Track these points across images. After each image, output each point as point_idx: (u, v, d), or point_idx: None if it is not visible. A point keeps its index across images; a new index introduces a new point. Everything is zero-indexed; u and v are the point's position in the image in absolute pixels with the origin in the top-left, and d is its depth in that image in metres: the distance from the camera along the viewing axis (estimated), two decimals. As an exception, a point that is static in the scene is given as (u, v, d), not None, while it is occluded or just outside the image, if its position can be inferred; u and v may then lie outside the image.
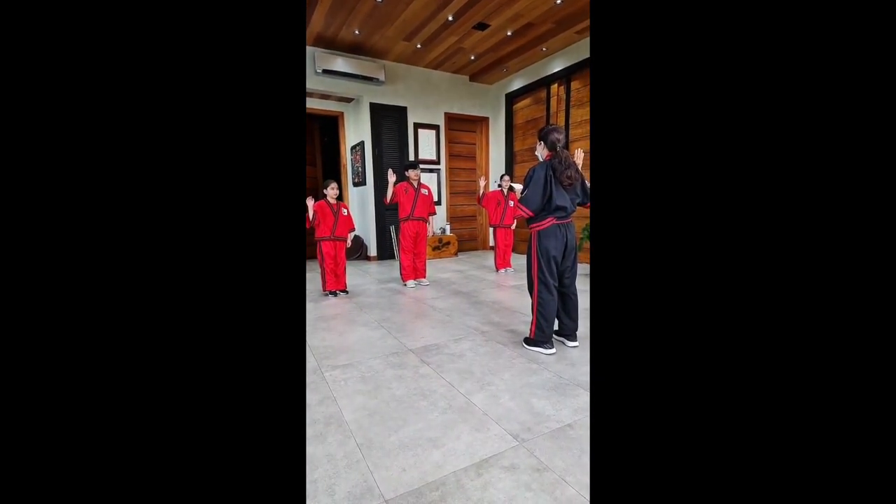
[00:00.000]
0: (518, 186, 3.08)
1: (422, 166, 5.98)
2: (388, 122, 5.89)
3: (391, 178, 4.00)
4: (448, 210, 6.70)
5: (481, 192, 4.77)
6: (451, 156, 6.77)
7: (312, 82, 5.27)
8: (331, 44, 5.14)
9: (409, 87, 6.01)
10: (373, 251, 6.11)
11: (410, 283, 4.16)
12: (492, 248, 6.32)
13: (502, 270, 4.81)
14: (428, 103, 6.19)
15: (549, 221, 2.18)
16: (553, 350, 2.21)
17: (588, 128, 4.95)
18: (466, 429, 1.50)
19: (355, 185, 6.35)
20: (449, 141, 6.63)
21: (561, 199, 2.14)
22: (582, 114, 5.09)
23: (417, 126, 6.15)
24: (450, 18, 4.41)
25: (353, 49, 5.31)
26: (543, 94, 5.71)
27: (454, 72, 6.27)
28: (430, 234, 4.24)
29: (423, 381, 1.91)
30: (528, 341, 2.31)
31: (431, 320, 2.91)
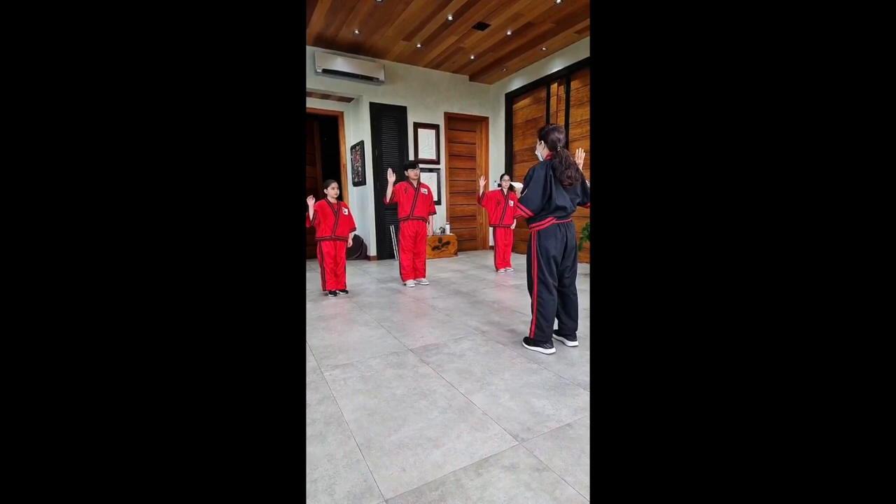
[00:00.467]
0: (518, 185, 3.08)
1: (422, 166, 5.99)
2: (388, 121, 5.88)
3: (390, 177, 4.00)
4: (448, 210, 6.70)
5: (481, 191, 4.77)
6: (451, 155, 6.77)
7: (312, 82, 5.27)
8: (331, 43, 5.14)
9: (409, 87, 6.01)
10: (372, 251, 6.11)
11: (410, 282, 4.16)
12: (491, 247, 6.33)
13: (502, 270, 4.81)
14: (428, 103, 6.19)
15: (549, 221, 2.18)
16: (553, 350, 2.22)
17: (588, 127, 4.95)
18: (466, 428, 1.50)
19: (355, 184, 6.34)
20: (449, 140, 6.63)
21: (561, 198, 2.14)
22: (582, 113, 5.09)
23: (417, 126, 6.15)
24: (449, 18, 4.40)
25: (353, 49, 5.31)
26: (543, 93, 5.71)
27: (454, 71, 6.27)
28: (429, 233, 4.24)
29: (422, 381, 1.91)
30: (528, 341, 2.31)
31: (431, 320, 2.92)
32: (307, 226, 3.51)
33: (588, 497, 1.13)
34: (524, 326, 2.67)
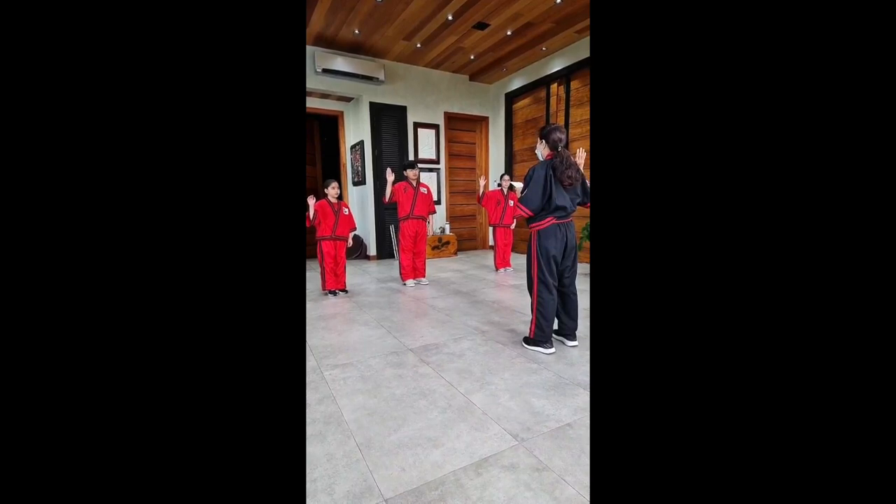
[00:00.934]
0: (518, 185, 3.08)
1: (421, 166, 5.99)
2: (388, 121, 5.88)
3: (389, 177, 4.00)
4: (448, 209, 6.70)
5: (481, 191, 4.77)
6: (451, 155, 6.77)
7: (312, 82, 5.26)
8: (331, 43, 5.14)
9: (409, 87, 6.01)
10: (372, 250, 6.11)
11: (410, 282, 4.16)
12: (491, 247, 6.32)
13: (502, 270, 4.81)
14: (428, 103, 6.19)
15: (548, 221, 2.18)
16: (552, 349, 2.22)
17: (588, 127, 4.95)
18: (466, 428, 1.50)
19: (355, 184, 6.34)
20: (448, 140, 6.63)
21: (561, 198, 2.13)
22: (581, 113, 5.09)
23: (417, 125, 6.15)
24: (449, 18, 4.40)
25: (353, 48, 5.31)
26: (543, 93, 5.71)
27: (454, 71, 6.27)
28: (429, 233, 4.24)
29: (422, 381, 1.91)
30: (528, 341, 2.31)
31: (431, 320, 2.92)
32: (307, 225, 3.52)
33: (588, 497, 1.13)
34: (524, 326, 2.67)
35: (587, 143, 4.86)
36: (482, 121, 6.85)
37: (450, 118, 6.53)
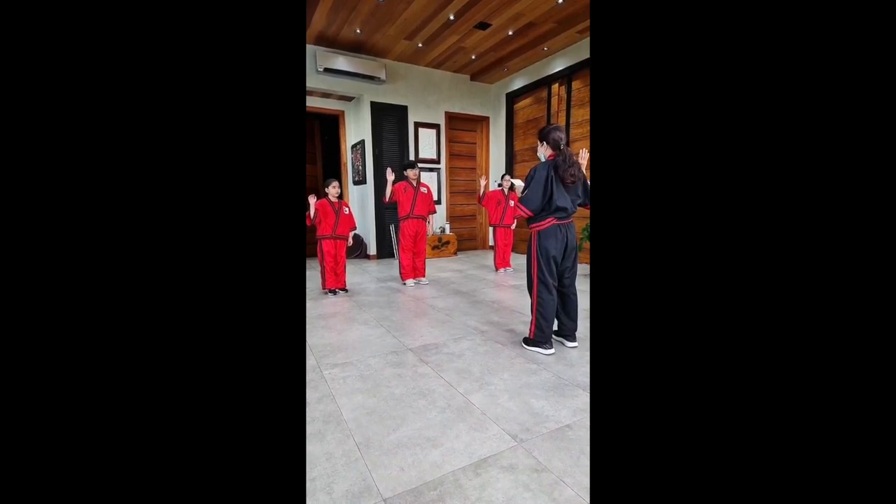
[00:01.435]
0: (518, 182, 3.07)
1: (422, 165, 5.99)
2: (389, 120, 5.88)
3: (389, 176, 4.00)
4: (448, 209, 6.70)
5: (481, 191, 4.77)
6: (452, 155, 6.76)
7: (313, 81, 5.26)
8: (332, 42, 5.14)
9: (410, 86, 6.00)
10: (372, 250, 6.11)
11: (410, 282, 4.16)
12: (491, 247, 6.32)
13: (502, 270, 4.81)
14: (429, 102, 6.19)
15: (549, 221, 2.17)
16: (552, 350, 2.21)
17: (589, 128, 4.94)
18: (465, 428, 1.50)
19: (355, 183, 6.34)
20: (449, 140, 6.63)
21: (562, 199, 2.13)
22: (583, 113, 5.09)
23: (418, 125, 6.15)
24: (451, 18, 4.40)
25: (355, 48, 5.30)
26: (544, 93, 5.71)
27: (455, 71, 6.27)
28: (429, 232, 4.24)
29: (421, 381, 1.91)
30: (528, 341, 2.31)
31: (430, 319, 2.91)
32: (308, 224, 3.51)
33: (587, 499, 1.13)
34: (523, 326, 2.67)
35: (588, 143, 4.86)
36: (483, 121, 6.85)
37: (451, 118, 6.52)
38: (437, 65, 5.99)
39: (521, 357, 2.18)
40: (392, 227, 6.08)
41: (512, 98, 6.34)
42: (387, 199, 4.06)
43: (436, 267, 5.26)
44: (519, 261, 5.38)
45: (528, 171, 2.21)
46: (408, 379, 1.93)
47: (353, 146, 6.27)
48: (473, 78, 6.47)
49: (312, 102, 6.04)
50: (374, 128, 5.76)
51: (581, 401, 1.70)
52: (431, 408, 1.65)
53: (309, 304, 3.42)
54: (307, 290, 3.90)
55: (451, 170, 6.78)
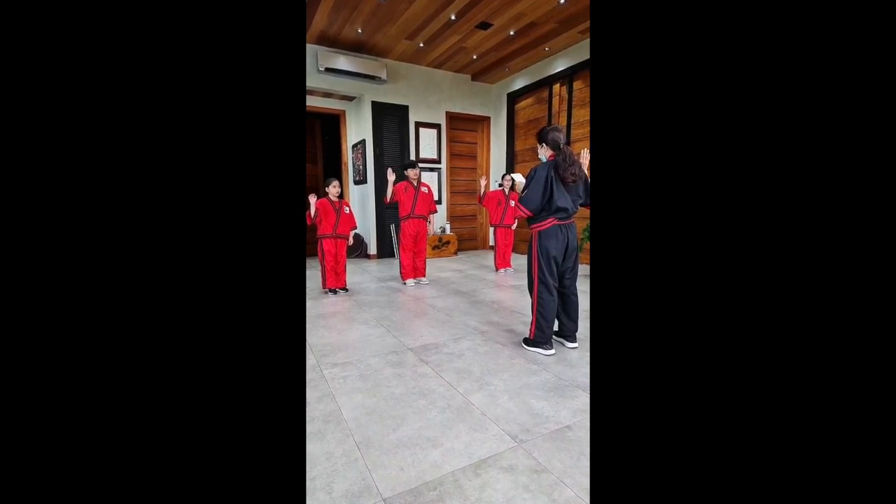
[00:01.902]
0: (519, 178, 3.06)
1: (422, 165, 5.99)
2: (390, 120, 5.88)
3: (390, 177, 4.00)
4: (448, 209, 6.70)
5: (482, 191, 4.77)
6: (452, 155, 6.76)
7: (315, 80, 5.26)
8: (333, 42, 5.14)
9: (411, 86, 6.00)
10: (373, 249, 6.11)
11: (410, 281, 4.16)
12: (491, 247, 6.32)
13: (502, 270, 4.81)
14: (429, 102, 6.19)
15: (550, 222, 2.17)
16: (552, 351, 2.21)
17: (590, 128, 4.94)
18: (465, 429, 1.50)
19: (356, 183, 6.34)
20: (450, 140, 6.63)
21: (562, 199, 2.13)
22: (584, 114, 5.09)
23: (419, 125, 6.15)
24: (452, 18, 4.40)
25: (356, 47, 5.30)
26: (545, 93, 5.70)
27: (456, 71, 6.27)
28: (430, 232, 4.24)
29: (421, 381, 1.91)
30: (528, 342, 2.30)
31: (431, 319, 2.91)
32: (308, 223, 3.52)
33: (587, 500, 1.13)
34: (524, 327, 2.67)
35: (589, 143, 4.86)
36: (484, 121, 6.84)
37: (451, 118, 6.52)
38: (439, 65, 5.99)
39: (521, 357, 2.18)
40: (392, 227, 6.08)
41: (513, 98, 6.34)
42: (388, 200, 4.06)
43: (436, 267, 5.26)
44: (519, 261, 5.37)
45: (529, 171, 2.21)
46: (408, 379, 1.93)
47: (354, 146, 6.27)
48: (474, 78, 6.47)
49: (313, 102, 6.04)
50: (374, 127, 5.76)
51: (581, 401, 1.70)
52: (431, 408, 1.65)
53: (309, 304, 3.42)
54: (307, 290, 3.90)
55: (452, 170, 6.78)
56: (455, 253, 6.41)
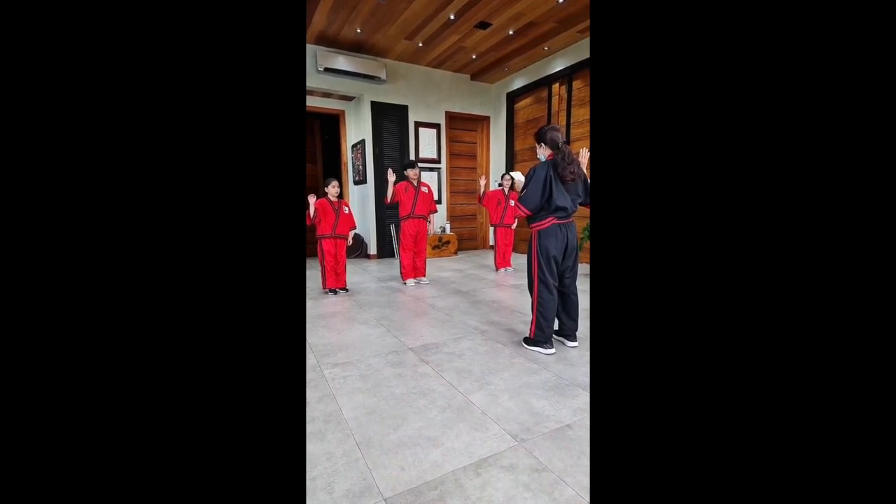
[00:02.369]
0: (519, 177, 3.06)
1: (422, 165, 5.99)
2: (389, 120, 5.88)
3: (391, 177, 4.00)
4: (448, 209, 6.69)
5: (482, 191, 4.77)
6: (452, 155, 6.76)
7: (314, 80, 5.26)
8: (333, 42, 5.13)
9: (411, 86, 6.00)
10: (373, 249, 6.11)
11: (410, 281, 4.16)
12: (492, 247, 6.32)
13: (502, 270, 4.81)
14: (429, 102, 6.19)
15: (549, 221, 2.17)
16: (553, 350, 2.21)
17: (589, 127, 4.94)
18: (465, 428, 1.50)
19: (356, 183, 6.34)
20: (450, 140, 6.63)
21: (562, 199, 2.13)
22: (583, 113, 5.09)
23: (418, 125, 6.14)
24: (451, 17, 4.40)
25: (355, 47, 5.30)
26: (545, 93, 5.70)
27: (455, 70, 6.26)
28: (430, 232, 4.24)
29: (422, 380, 1.91)
30: (528, 341, 2.30)
31: (431, 319, 2.91)
32: (307, 224, 3.51)
33: (587, 498, 1.13)
34: (524, 326, 2.67)
35: (588, 143, 4.86)
36: (483, 120, 6.84)
37: (451, 118, 6.52)
38: (438, 64, 5.99)
39: (521, 357, 2.18)
40: (392, 227, 6.08)
41: (512, 98, 6.34)
42: (388, 201, 4.06)
43: (436, 266, 5.26)
44: (519, 260, 5.37)
45: (528, 170, 2.21)
46: (408, 378, 1.93)
47: (354, 146, 6.27)
48: (474, 77, 6.47)
49: (313, 102, 6.04)
50: (374, 127, 5.76)
51: (581, 400, 1.70)
52: (432, 407, 1.65)
53: (309, 304, 3.42)
54: (307, 290, 3.90)
55: (452, 169, 6.78)
56: (455, 253, 6.41)
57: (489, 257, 5.98)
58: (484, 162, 7.00)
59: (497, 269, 4.85)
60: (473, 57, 5.63)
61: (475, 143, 7.00)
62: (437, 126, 6.32)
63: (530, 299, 2.32)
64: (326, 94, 5.94)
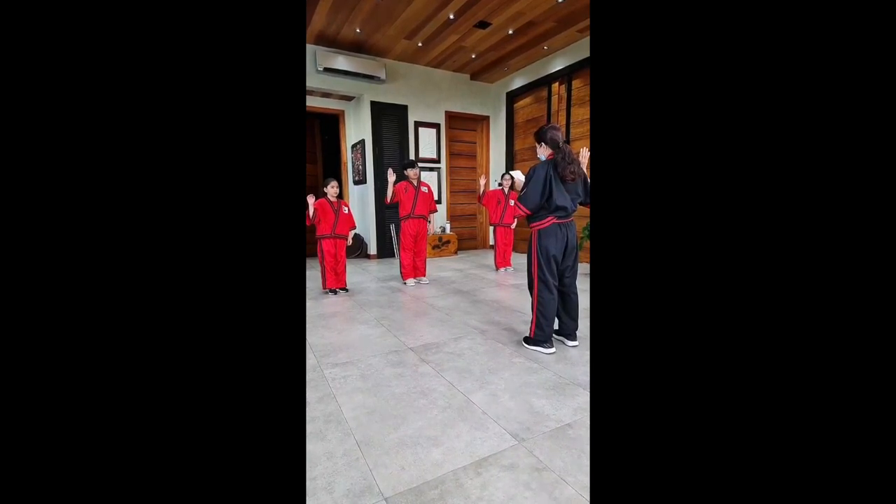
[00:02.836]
0: (518, 175, 3.06)
1: (422, 165, 5.99)
2: (389, 120, 5.88)
3: (391, 177, 4.00)
4: (448, 209, 6.69)
5: (482, 190, 4.77)
6: (452, 154, 6.76)
7: (314, 80, 5.26)
8: (332, 42, 5.13)
9: (410, 86, 6.00)
10: (373, 249, 6.11)
11: (410, 281, 4.16)
12: (491, 246, 6.32)
13: (502, 269, 4.81)
14: (429, 102, 6.19)
15: (549, 221, 2.17)
16: (553, 349, 2.22)
17: (589, 127, 4.94)
18: (466, 427, 1.50)
19: (356, 183, 6.34)
20: (450, 139, 6.62)
21: (562, 198, 2.13)
22: (583, 112, 5.09)
23: (418, 124, 6.14)
24: (451, 17, 4.40)
25: (355, 47, 5.30)
26: (545, 92, 5.70)
27: (455, 70, 6.26)
28: (430, 232, 4.24)
29: (422, 380, 1.91)
30: (528, 340, 2.31)
31: (431, 319, 2.92)
32: (307, 224, 3.52)
33: (587, 497, 1.13)
34: (524, 326, 2.67)
35: (588, 142, 4.86)
36: (483, 120, 6.84)
37: (451, 117, 6.52)
38: (437, 64, 5.99)
39: (521, 356, 2.18)
40: (392, 227, 6.08)
41: (512, 97, 6.34)
42: (388, 200, 4.06)
43: (436, 266, 5.26)
44: (519, 260, 5.37)
45: (528, 169, 2.21)
46: (408, 378, 1.93)
47: (354, 146, 6.27)
48: (473, 77, 6.47)
49: (312, 102, 6.04)
50: (374, 127, 5.76)
51: (582, 400, 1.70)
52: (432, 407, 1.66)
53: (309, 304, 3.42)
54: (307, 290, 3.91)
55: (452, 169, 6.78)
56: (455, 252, 6.41)
57: (489, 257, 5.98)
58: (484, 161, 7.00)
59: (497, 268, 4.85)
60: (473, 56, 5.63)
61: (475, 142, 7.00)
62: (436, 126, 6.32)
63: (530, 299, 2.32)
64: (326, 94, 5.94)
